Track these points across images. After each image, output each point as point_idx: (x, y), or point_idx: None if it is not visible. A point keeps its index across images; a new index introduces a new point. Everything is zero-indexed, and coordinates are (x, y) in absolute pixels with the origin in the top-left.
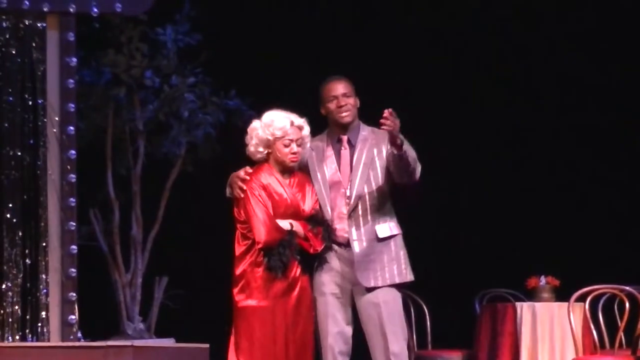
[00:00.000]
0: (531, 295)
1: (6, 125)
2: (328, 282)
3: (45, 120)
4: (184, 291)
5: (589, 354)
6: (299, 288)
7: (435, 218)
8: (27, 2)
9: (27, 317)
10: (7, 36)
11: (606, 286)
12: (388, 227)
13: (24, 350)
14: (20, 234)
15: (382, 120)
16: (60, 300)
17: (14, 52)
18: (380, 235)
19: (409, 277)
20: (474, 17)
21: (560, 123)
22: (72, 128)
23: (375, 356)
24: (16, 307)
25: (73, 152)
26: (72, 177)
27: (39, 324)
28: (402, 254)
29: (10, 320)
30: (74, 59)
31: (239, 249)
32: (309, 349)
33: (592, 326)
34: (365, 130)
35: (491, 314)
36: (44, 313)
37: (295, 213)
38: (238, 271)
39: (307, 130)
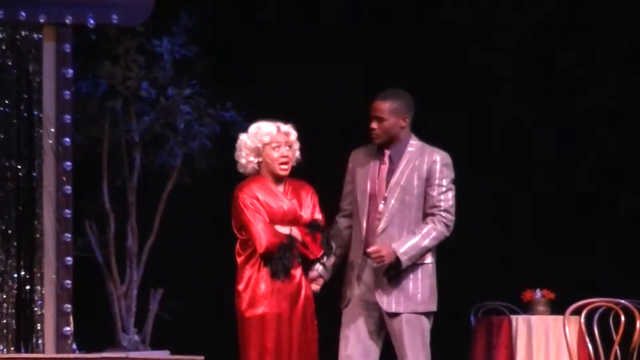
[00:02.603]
0: (527, 308)
1: (1, 136)
2: (356, 291)
3: (41, 131)
4: (179, 303)
5: None
6: (303, 296)
7: None
8: (23, 14)
9: (22, 328)
10: (3, 47)
11: (602, 299)
12: None
13: None
14: (15, 245)
15: (374, 264)
16: (55, 311)
17: (10, 63)
18: None
19: (431, 307)
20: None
21: (555, 136)
22: (68, 139)
23: None
24: (11, 319)
25: (69, 163)
26: (68, 188)
27: (34, 336)
28: (429, 284)
29: (4, 331)
30: (70, 71)
31: (240, 259)
32: (315, 358)
33: (587, 339)
34: (412, 147)
35: (487, 327)
36: (38, 325)
37: (293, 220)
38: (242, 281)
39: (294, 135)
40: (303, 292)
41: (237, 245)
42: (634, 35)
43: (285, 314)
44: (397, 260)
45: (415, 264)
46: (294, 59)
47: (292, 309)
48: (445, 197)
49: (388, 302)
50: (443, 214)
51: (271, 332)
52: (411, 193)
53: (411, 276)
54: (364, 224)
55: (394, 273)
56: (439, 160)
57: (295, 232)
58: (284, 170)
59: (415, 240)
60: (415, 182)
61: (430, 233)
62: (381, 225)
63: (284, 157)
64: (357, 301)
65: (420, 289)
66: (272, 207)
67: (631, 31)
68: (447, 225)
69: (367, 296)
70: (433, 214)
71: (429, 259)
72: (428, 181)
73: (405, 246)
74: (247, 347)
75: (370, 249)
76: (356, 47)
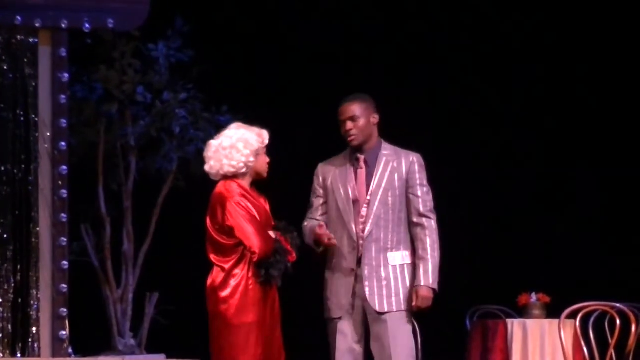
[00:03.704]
0: (522, 312)
1: None
2: (343, 300)
3: (37, 135)
4: (175, 307)
5: None
6: (277, 300)
7: None
8: (19, 18)
9: (18, 332)
10: None
11: (597, 303)
12: (401, 256)
13: None
14: (11, 249)
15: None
16: (51, 315)
17: (5, 67)
18: (392, 263)
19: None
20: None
21: (552, 142)
22: (63, 143)
23: None
24: (7, 323)
25: (65, 167)
26: (64, 192)
27: (30, 340)
28: (412, 283)
29: (0, 336)
30: (66, 75)
31: (227, 265)
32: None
33: (583, 343)
34: (387, 150)
35: (482, 331)
36: (34, 329)
37: (269, 223)
38: (227, 287)
39: None
40: (276, 295)
41: (215, 251)
42: None
43: (268, 319)
44: (435, 292)
45: (401, 264)
46: (292, 62)
47: (271, 313)
48: (429, 197)
49: (380, 302)
50: (431, 215)
51: (259, 338)
52: (394, 194)
53: (399, 277)
54: (354, 230)
55: None
56: (416, 161)
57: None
58: (267, 171)
59: (430, 263)
60: (397, 183)
61: (433, 246)
62: (368, 229)
63: (268, 163)
64: (343, 307)
65: (408, 289)
66: (256, 210)
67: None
68: (434, 229)
69: (359, 304)
70: (421, 219)
71: (411, 260)
72: (409, 182)
73: (430, 276)
74: (234, 353)
75: (419, 304)
76: (356, 50)
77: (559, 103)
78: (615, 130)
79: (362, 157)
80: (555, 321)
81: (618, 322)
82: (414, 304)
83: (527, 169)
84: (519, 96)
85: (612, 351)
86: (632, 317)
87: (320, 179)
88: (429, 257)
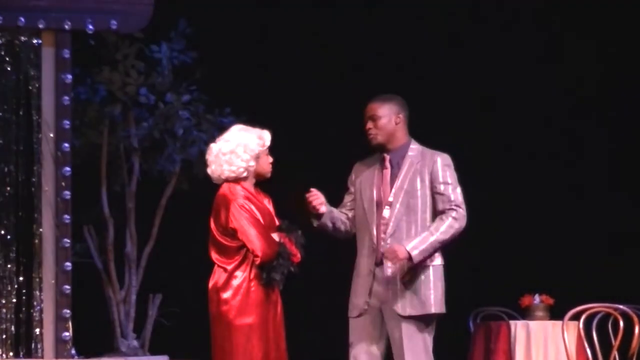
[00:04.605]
0: (525, 313)
1: (1, 141)
2: (360, 299)
3: (40, 137)
4: (178, 308)
5: None
6: (280, 302)
7: None
8: (22, 19)
9: (21, 333)
10: (2, 53)
11: (600, 305)
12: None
13: None
14: (14, 250)
15: (389, 264)
16: (54, 317)
17: (9, 68)
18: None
19: (443, 308)
20: None
21: (554, 143)
22: (67, 145)
23: None
24: (10, 324)
25: (68, 169)
26: (67, 194)
27: (33, 341)
28: (440, 285)
29: (3, 337)
30: (69, 76)
31: (229, 266)
32: None
33: (586, 345)
34: (413, 151)
35: (485, 333)
36: (37, 330)
37: (273, 225)
38: (228, 288)
39: None
40: (279, 297)
41: (218, 253)
42: None
43: (270, 321)
44: (410, 259)
45: (426, 265)
46: (293, 64)
47: (274, 315)
48: (455, 193)
49: (402, 305)
50: (455, 207)
51: (260, 340)
52: (415, 196)
53: (422, 278)
54: (374, 232)
55: (409, 279)
56: (440, 161)
57: (278, 237)
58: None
59: (423, 235)
60: (419, 185)
61: (438, 227)
62: (389, 231)
63: (271, 163)
64: (367, 310)
65: (432, 290)
66: (259, 213)
67: None
68: (456, 219)
69: (375, 304)
70: (444, 211)
71: (439, 261)
72: (433, 183)
73: (414, 244)
74: (235, 355)
75: (385, 249)
76: (355, 54)
77: (558, 103)
78: (615, 130)
79: (387, 157)
80: (558, 323)
81: (621, 323)
82: (382, 250)
83: (528, 169)
84: (521, 96)
85: (615, 353)
86: (635, 319)
87: (353, 177)
88: (429, 232)
